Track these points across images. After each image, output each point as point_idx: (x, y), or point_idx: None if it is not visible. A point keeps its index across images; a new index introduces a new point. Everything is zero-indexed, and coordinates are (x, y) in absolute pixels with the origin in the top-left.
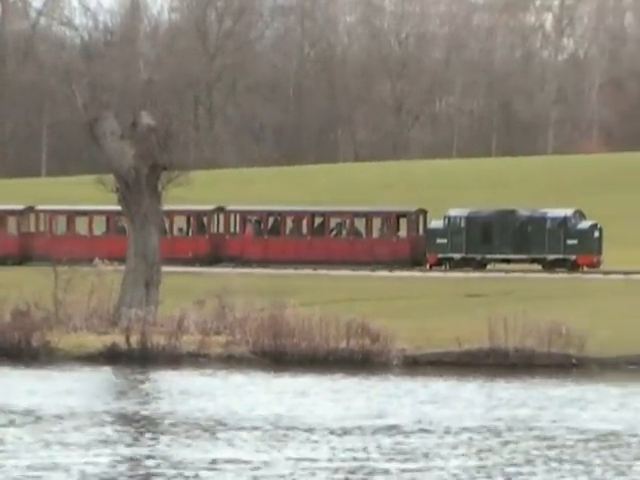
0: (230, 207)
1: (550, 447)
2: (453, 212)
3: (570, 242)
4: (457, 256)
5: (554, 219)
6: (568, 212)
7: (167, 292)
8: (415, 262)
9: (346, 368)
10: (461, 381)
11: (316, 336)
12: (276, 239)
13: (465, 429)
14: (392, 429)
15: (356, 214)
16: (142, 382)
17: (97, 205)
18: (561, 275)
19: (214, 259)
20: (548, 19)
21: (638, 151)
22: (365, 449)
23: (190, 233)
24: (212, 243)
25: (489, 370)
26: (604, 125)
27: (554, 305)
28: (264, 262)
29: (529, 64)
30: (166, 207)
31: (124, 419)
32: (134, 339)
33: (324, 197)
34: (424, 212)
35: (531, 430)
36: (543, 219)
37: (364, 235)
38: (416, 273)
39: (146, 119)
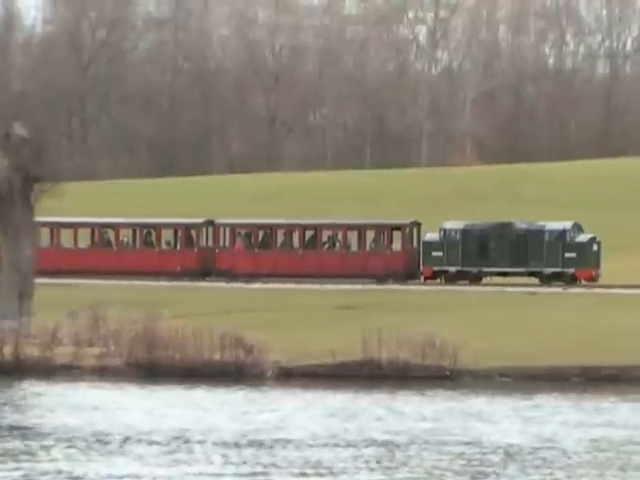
0: (220, 220)
1: (455, 461)
2: (449, 225)
3: (568, 255)
4: (453, 269)
5: (552, 232)
6: (566, 225)
7: (41, 304)
8: (409, 275)
9: (220, 380)
10: (358, 394)
11: (190, 348)
12: (267, 252)
13: (372, 442)
14: (291, 442)
15: (349, 227)
16: (19, 394)
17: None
18: (434, 287)
19: (203, 273)
20: (422, 32)
21: (511, 164)
22: (274, 464)
23: (178, 247)
24: (201, 257)
25: (363, 382)
26: (477, 138)
27: (428, 317)
28: (255, 276)
29: (403, 77)
30: (153, 220)
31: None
32: (7, 351)
33: (198, 209)
34: (418, 225)
35: (433, 444)
36: (541, 232)
37: (357, 248)
38: (290, 285)
39: (19, 130)
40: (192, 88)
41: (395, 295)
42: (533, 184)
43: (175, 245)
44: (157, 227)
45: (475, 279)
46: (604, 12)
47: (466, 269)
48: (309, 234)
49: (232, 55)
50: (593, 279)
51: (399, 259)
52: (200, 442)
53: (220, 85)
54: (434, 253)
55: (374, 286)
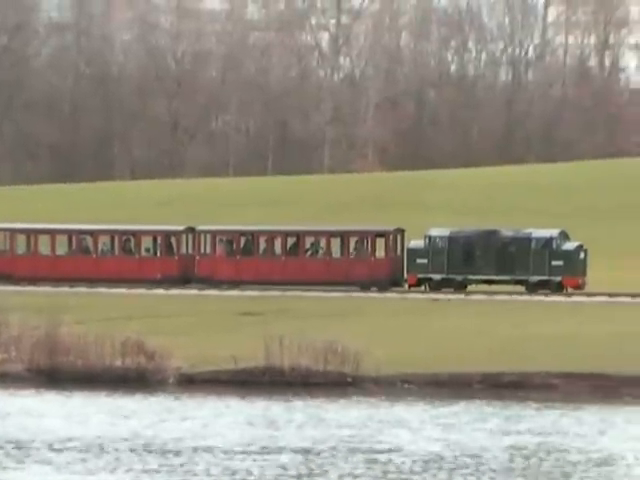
0: (200, 227)
1: (375, 468)
2: (434, 232)
3: (555, 263)
4: (438, 277)
5: (539, 240)
6: (553, 233)
7: None
8: (394, 282)
9: (122, 386)
10: (271, 400)
11: (91, 354)
12: (249, 259)
13: (293, 450)
14: (211, 450)
15: (332, 233)
16: None
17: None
18: (337, 294)
19: (184, 280)
20: (324, 38)
21: (413, 170)
22: (192, 472)
23: (159, 254)
24: (182, 264)
25: (266, 388)
26: (379, 144)
27: (330, 324)
28: (236, 283)
29: (305, 83)
30: (132, 227)
31: None
32: None
33: (100, 215)
34: (402, 232)
35: (355, 451)
36: (527, 239)
37: (341, 255)
38: (191, 291)
39: None
40: (94, 93)
41: (297, 302)
42: (436, 190)
43: (155, 252)
44: (136, 234)
45: (460, 287)
46: (506, 19)
47: (451, 277)
48: (291, 241)
49: (134, 60)
50: (580, 287)
51: (383, 266)
52: (118, 450)
53: (122, 90)
54: (419, 260)
55: (275, 292)
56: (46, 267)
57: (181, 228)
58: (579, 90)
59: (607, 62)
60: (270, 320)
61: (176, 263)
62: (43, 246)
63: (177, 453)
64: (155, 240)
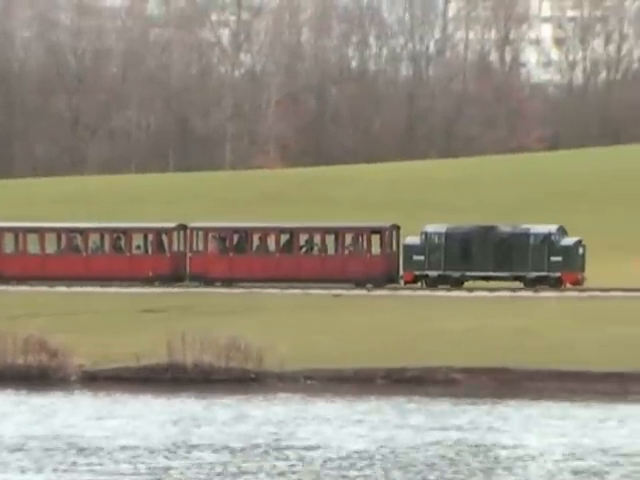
0: (193, 224)
1: (310, 467)
2: (430, 228)
3: (554, 259)
4: (435, 273)
5: (537, 235)
6: (551, 228)
7: None
8: (389, 279)
9: (24, 384)
10: (190, 398)
11: None
12: (242, 256)
13: (221, 448)
14: (135, 449)
15: (327, 230)
16: None
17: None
18: (238, 290)
19: (176, 278)
20: (225, 34)
21: (315, 166)
22: (119, 471)
23: (150, 251)
24: (174, 262)
25: (168, 385)
26: (281, 140)
27: (232, 320)
28: (229, 280)
29: (206, 79)
30: (123, 224)
31: None
32: None
33: (1, 212)
34: (397, 228)
35: (281, 448)
36: (526, 235)
37: (336, 252)
38: (95, 288)
39: None
40: None
41: (200, 298)
42: (338, 186)
43: (147, 250)
44: (127, 231)
45: (457, 284)
46: (406, 14)
47: (448, 273)
48: (285, 238)
49: (35, 58)
50: (579, 283)
51: (379, 263)
52: (41, 449)
53: (23, 87)
54: (415, 257)
55: (178, 289)
56: (35, 266)
57: (173, 225)
58: (480, 85)
59: (507, 57)
60: (173, 317)
61: (168, 261)
62: (32, 245)
63: (101, 452)
64: (146, 238)
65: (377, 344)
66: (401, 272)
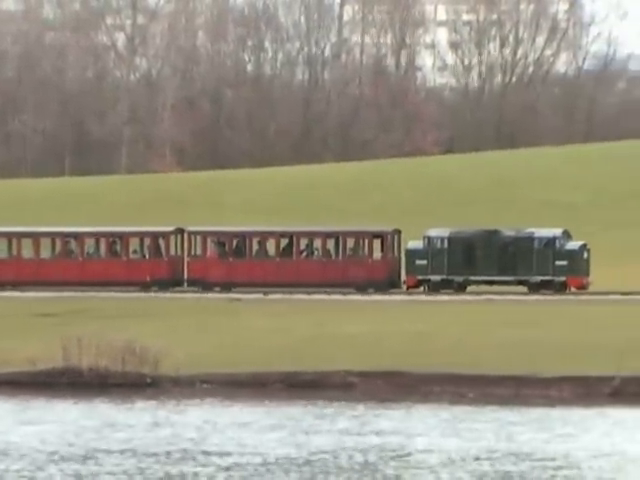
0: (191, 228)
1: (239, 474)
2: (433, 232)
3: (559, 263)
4: (437, 278)
5: (542, 239)
6: (556, 232)
7: None
8: (391, 284)
9: None
10: (123, 403)
11: None
12: (241, 261)
13: (152, 454)
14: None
15: (328, 234)
16: None
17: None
18: (136, 295)
19: (174, 283)
20: (120, 38)
21: (211, 170)
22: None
23: (147, 256)
24: (172, 266)
25: (65, 389)
26: (177, 144)
27: (129, 324)
28: (229, 285)
29: (101, 83)
30: (119, 229)
31: None
32: None
33: None
34: (399, 232)
35: (207, 454)
36: (530, 239)
37: (337, 256)
38: None
39: None
40: None
41: (96, 302)
42: (234, 190)
43: (144, 254)
44: (124, 236)
45: (460, 288)
46: (302, 18)
47: (452, 278)
48: (285, 242)
49: None
50: (584, 287)
51: (380, 268)
52: None
53: None
54: (418, 262)
55: (74, 293)
56: (30, 271)
57: (170, 229)
58: (375, 89)
59: (403, 61)
60: (68, 321)
61: (165, 265)
62: (26, 250)
63: (27, 458)
64: (142, 242)
65: (274, 348)
66: (403, 277)
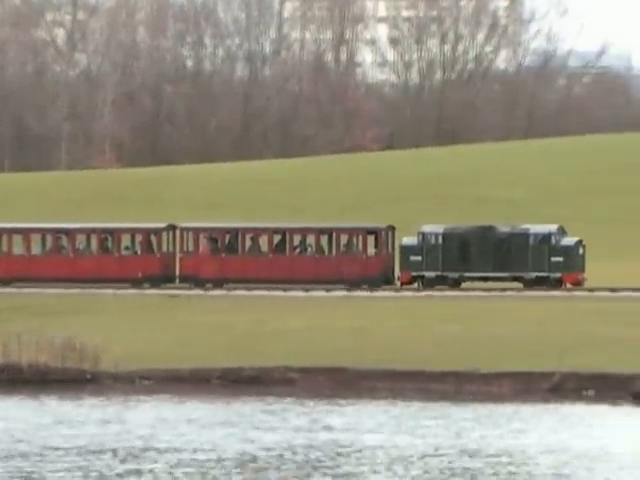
0: (183, 224)
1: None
2: (428, 228)
3: (555, 259)
4: (432, 274)
5: (537, 235)
6: (551, 228)
7: None
8: (386, 280)
9: None
10: (72, 400)
11: None
12: (234, 257)
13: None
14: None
15: (322, 231)
16: None
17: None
18: (75, 291)
19: (166, 279)
20: (60, 34)
21: (149, 166)
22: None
23: (139, 252)
24: (163, 262)
25: (4, 386)
26: (116, 140)
27: (70, 321)
28: (221, 281)
29: (41, 79)
30: (111, 225)
31: None
32: None
33: None
34: (393, 229)
35: (165, 451)
36: (525, 235)
37: (332, 253)
38: None
39: None
40: None
41: (36, 299)
42: (174, 186)
43: (135, 250)
44: (115, 232)
45: (455, 284)
46: (242, 14)
47: (446, 274)
48: (280, 238)
49: None
50: (579, 283)
51: (374, 264)
52: None
53: None
54: (412, 258)
55: (12, 289)
56: (21, 268)
57: (162, 225)
58: (315, 85)
59: (343, 57)
60: (8, 317)
61: (157, 261)
62: (17, 246)
63: None
64: (134, 238)
65: (214, 344)
66: (397, 273)
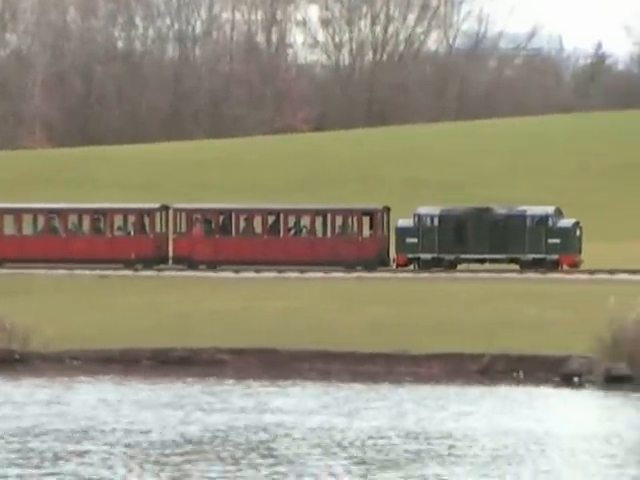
0: (176, 205)
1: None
2: (423, 210)
3: (552, 241)
4: (428, 256)
5: (534, 217)
6: (549, 210)
7: None
8: (381, 262)
9: None
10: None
11: None
12: (228, 239)
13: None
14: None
15: (317, 212)
16: None
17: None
18: (4, 271)
19: (159, 260)
20: None
21: (80, 146)
22: None
23: (132, 233)
24: (156, 243)
25: None
26: (47, 120)
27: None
28: (215, 263)
29: None
30: (104, 205)
31: None
32: None
33: None
34: (388, 210)
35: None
36: (522, 217)
37: (326, 234)
38: None
39: None
40: None
41: None
42: (105, 167)
43: (128, 231)
44: (108, 212)
45: (451, 266)
46: None
47: (442, 256)
48: (273, 219)
49: None
50: (576, 265)
51: (370, 246)
52: None
53: None
54: (408, 240)
55: None
56: (12, 248)
57: (156, 206)
58: (246, 66)
59: (274, 38)
60: None
61: (150, 242)
62: (8, 226)
63: None
64: (127, 219)
65: (144, 325)
66: (392, 255)
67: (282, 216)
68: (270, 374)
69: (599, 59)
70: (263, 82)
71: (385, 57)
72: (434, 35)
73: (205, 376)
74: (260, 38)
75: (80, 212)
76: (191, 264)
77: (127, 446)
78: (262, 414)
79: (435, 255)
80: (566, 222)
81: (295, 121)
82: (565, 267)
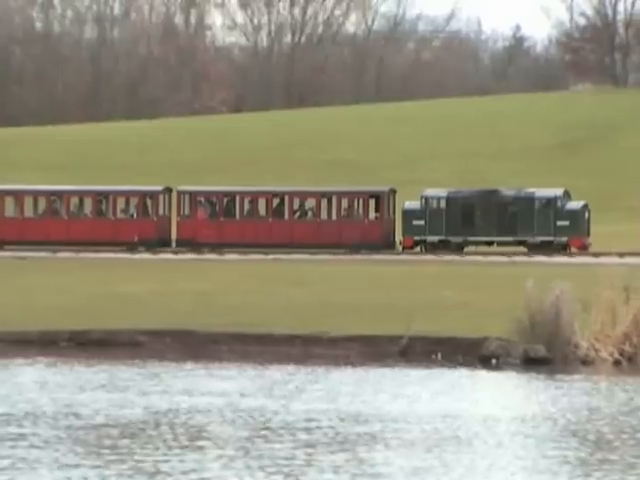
0: (180, 187)
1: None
2: (430, 192)
3: (561, 223)
4: (435, 239)
5: (542, 199)
6: (557, 192)
7: None
8: (387, 245)
9: None
10: None
11: None
12: (232, 221)
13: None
14: None
15: (323, 194)
16: None
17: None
18: None
19: (162, 243)
20: None
21: None
22: None
23: (135, 215)
24: (160, 226)
25: None
26: None
27: None
28: (219, 246)
29: None
30: (106, 187)
31: None
32: None
33: None
34: (394, 192)
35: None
36: (530, 199)
37: (332, 217)
38: None
39: None
40: None
41: None
42: (22, 148)
43: (131, 214)
44: (111, 195)
45: (459, 249)
46: None
47: (450, 238)
48: (277, 202)
49: None
50: (585, 247)
51: (376, 228)
52: None
53: None
54: (415, 222)
55: None
56: (14, 230)
57: (159, 188)
58: (164, 48)
59: (193, 20)
60: None
61: (154, 225)
62: (9, 208)
63: None
64: (129, 201)
65: (60, 306)
66: (398, 237)
67: (287, 199)
68: (188, 355)
69: (517, 42)
70: (181, 64)
71: (304, 39)
72: (353, 17)
73: (124, 358)
74: (178, 19)
75: (82, 194)
76: (195, 247)
77: (69, 428)
78: (192, 397)
79: (442, 237)
80: (575, 204)
81: (213, 103)
82: (574, 250)
